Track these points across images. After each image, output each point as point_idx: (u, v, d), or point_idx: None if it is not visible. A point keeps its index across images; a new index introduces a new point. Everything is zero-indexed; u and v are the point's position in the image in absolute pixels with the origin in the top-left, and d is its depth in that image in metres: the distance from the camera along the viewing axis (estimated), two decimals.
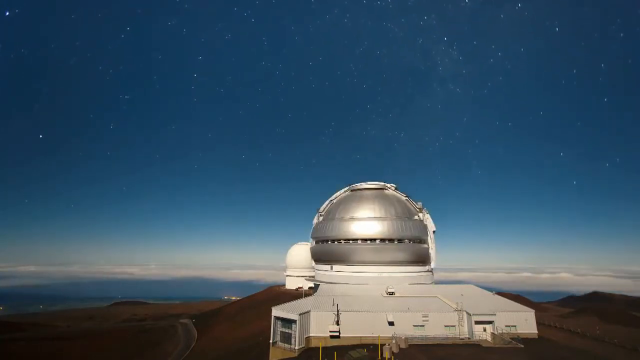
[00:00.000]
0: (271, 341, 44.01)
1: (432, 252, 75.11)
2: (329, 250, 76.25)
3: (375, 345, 40.54)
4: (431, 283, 74.48)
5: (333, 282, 71.58)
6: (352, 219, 75.06)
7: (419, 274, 72.47)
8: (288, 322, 43.66)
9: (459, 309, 46.91)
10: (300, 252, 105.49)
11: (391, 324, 45.08)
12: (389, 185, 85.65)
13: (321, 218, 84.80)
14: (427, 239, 74.47)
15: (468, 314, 46.03)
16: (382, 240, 70.86)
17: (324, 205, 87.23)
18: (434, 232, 76.60)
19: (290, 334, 42.93)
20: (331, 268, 75.92)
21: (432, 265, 76.43)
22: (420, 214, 77.06)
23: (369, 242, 71.23)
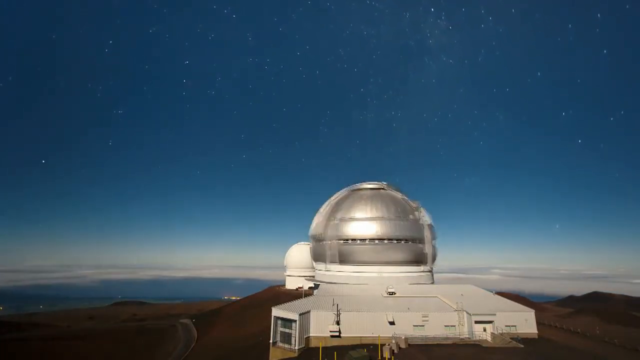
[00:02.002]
0: (271, 341, 43.98)
1: (430, 251, 74.91)
2: (328, 251, 76.25)
3: (375, 345, 40.56)
4: (431, 283, 74.53)
5: (333, 282, 71.58)
6: (351, 219, 75.12)
7: (419, 273, 72.45)
8: (288, 322, 43.64)
9: (459, 309, 46.93)
10: (300, 252, 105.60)
11: (391, 324, 45.10)
12: (387, 184, 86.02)
13: (321, 218, 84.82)
14: (424, 239, 74.32)
15: (468, 314, 46.05)
16: (380, 240, 70.85)
17: (323, 206, 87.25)
18: (430, 226, 76.29)
19: (290, 334, 42.91)
20: (330, 268, 75.97)
21: (431, 264, 76.45)
22: (417, 212, 77.02)
23: (367, 242, 71.24)
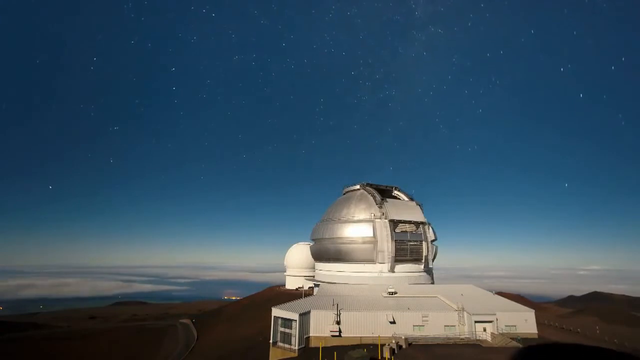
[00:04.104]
0: (271, 341, 43.99)
1: (430, 250, 74.68)
2: (328, 251, 76.27)
3: (375, 345, 40.54)
4: (431, 283, 74.49)
5: (333, 282, 71.56)
6: (350, 219, 75.18)
7: (419, 273, 72.41)
8: (288, 322, 43.64)
9: (459, 308, 46.91)
10: (300, 252, 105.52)
11: (391, 323, 45.10)
12: (389, 186, 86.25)
13: (321, 219, 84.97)
14: (424, 239, 74.16)
15: (468, 313, 46.04)
16: (380, 240, 70.60)
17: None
18: (430, 226, 76.10)
19: (290, 333, 42.92)
20: (330, 268, 75.96)
21: (431, 264, 76.30)
22: (417, 212, 76.78)
23: (366, 242, 71.10)
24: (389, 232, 70.35)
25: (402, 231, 71.98)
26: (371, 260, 70.57)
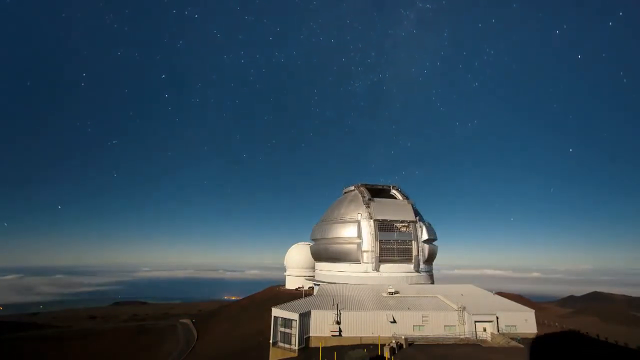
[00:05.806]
0: (271, 341, 43.98)
1: (430, 250, 74.39)
2: (328, 251, 76.23)
3: (376, 345, 40.54)
4: (431, 283, 74.38)
5: (333, 282, 71.53)
6: (340, 220, 75.49)
7: (419, 273, 72.27)
8: (288, 322, 43.64)
9: (459, 308, 46.92)
10: (299, 252, 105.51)
11: (392, 323, 45.08)
12: (386, 185, 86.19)
13: (321, 219, 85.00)
14: (423, 238, 73.95)
15: (468, 313, 46.03)
16: (380, 241, 70.42)
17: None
18: (429, 225, 75.89)
19: (290, 333, 42.92)
20: (331, 268, 75.92)
21: (430, 264, 76.19)
22: (415, 212, 76.64)
23: (366, 242, 70.95)
24: (374, 232, 70.27)
25: (389, 231, 71.79)
26: (356, 260, 70.70)
